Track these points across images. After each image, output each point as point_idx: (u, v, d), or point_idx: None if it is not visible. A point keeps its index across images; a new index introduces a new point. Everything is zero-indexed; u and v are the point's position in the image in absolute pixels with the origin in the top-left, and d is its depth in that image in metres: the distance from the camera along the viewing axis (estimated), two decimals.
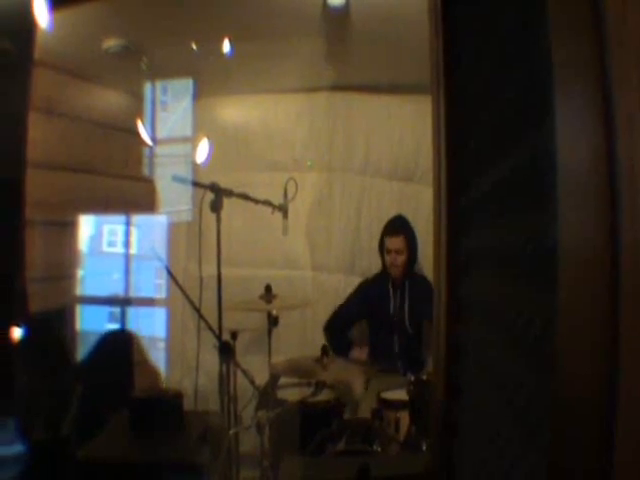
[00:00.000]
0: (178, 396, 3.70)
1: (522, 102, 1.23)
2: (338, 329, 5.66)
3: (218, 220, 4.35)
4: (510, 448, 1.24)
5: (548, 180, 0.94)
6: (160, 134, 6.17)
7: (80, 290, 5.27)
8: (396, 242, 5.46)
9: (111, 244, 5.70)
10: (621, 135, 0.74)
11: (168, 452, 3.37)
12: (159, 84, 6.09)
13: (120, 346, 5.03)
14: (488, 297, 1.53)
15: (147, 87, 6.00)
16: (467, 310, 1.78)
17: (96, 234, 5.53)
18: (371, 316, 5.65)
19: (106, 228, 5.65)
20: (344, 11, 4.23)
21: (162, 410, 3.57)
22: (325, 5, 4.14)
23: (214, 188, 4.33)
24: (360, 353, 5.55)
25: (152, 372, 6.03)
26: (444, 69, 1.93)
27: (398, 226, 5.55)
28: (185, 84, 6.01)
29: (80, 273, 5.29)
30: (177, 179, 4.77)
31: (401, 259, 5.45)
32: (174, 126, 6.22)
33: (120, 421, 3.61)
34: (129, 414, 3.60)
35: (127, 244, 5.79)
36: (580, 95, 0.85)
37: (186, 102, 6.13)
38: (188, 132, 6.14)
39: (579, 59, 0.84)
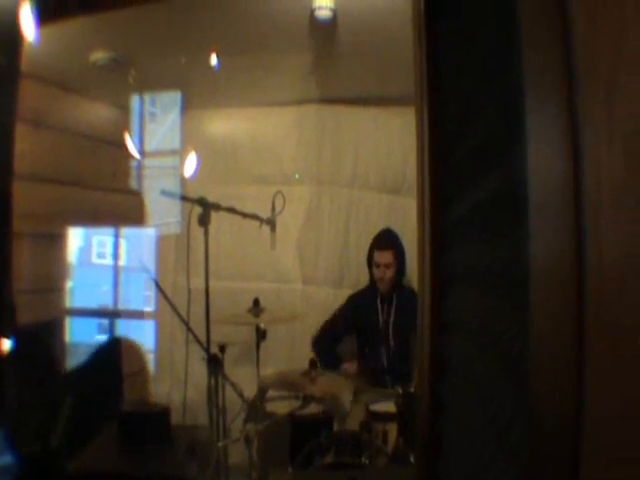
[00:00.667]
0: (165, 410, 3.69)
1: (501, 120, 1.24)
2: (326, 344, 5.65)
3: (206, 234, 4.36)
4: (494, 464, 1.25)
5: (524, 199, 0.95)
6: (149, 146, 6.18)
7: (69, 302, 5.26)
8: (385, 256, 5.47)
9: (100, 256, 5.71)
10: (587, 155, 0.75)
11: (156, 465, 3.36)
12: (148, 96, 6.10)
13: (110, 357, 5.02)
14: (472, 312, 1.54)
15: (135, 100, 6.01)
16: (452, 324, 1.79)
17: (85, 246, 5.53)
18: (359, 329, 5.65)
19: (95, 240, 5.66)
20: (332, 24, 4.24)
21: (149, 424, 3.56)
22: (312, 18, 4.15)
23: (202, 202, 4.33)
24: (349, 366, 5.54)
25: (142, 384, 6.03)
26: (428, 83, 1.94)
27: (387, 240, 5.56)
28: (174, 96, 6.01)
29: (69, 284, 5.28)
30: (165, 193, 4.77)
31: (390, 273, 5.46)
32: (163, 138, 6.23)
33: (109, 433, 3.60)
34: (117, 427, 3.59)
35: (116, 256, 5.79)
36: (548, 115, 0.86)
37: (175, 114, 6.13)
38: (177, 145, 6.15)
39: (547, 78, 0.85)
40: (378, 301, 5.54)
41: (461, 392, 1.63)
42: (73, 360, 4.72)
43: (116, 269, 5.85)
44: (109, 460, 3.42)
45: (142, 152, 6.10)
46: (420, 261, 1.97)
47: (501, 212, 1.25)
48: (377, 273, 5.49)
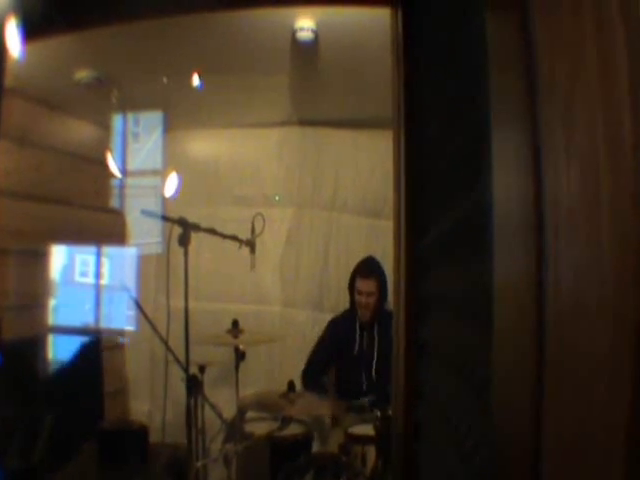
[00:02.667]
0: (143, 428, 3.69)
1: (470, 150, 1.25)
2: (315, 376, 5.63)
3: (186, 254, 4.35)
4: None
5: (489, 228, 0.96)
6: (131, 166, 6.17)
7: (52, 319, 5.24)
8: (368, 285, 5.45)
9: (83, 274, 5.68)
10: (547, 183, 0.76)
11: None
12: (131, 115, 6.10)
13: (91, 373, 5.01)
14: (445, 337, 1.55)
15: (118, 119, 6.01)
16: (427, 349, 1.80)
17: (69, 264, 5.51)
18: (340, 354, 5.63)
19: (78, 258, 5.63)
20: (313, 46, 4.26)
21: (128, 442, 3.56)
22: (294, 40, 4.16)
23: (182, 222, 4.33)
24: (328, 387, 5.53)
25: (122, 403, 6.02)
26: (405, 110, 1.95)
27: (370, 268, 5.54)
28: (156, 116, 6.02)
29: (52, 302, 5.27)
30: (146, 213, 4.78)
31: (372, 301, 5.44)
32: (145, 158, 6.23)
33: (89, 451, 3.60)
34: (97, 444, 3.59)
35: (98, 275, 5.78)
36: (511, 136, 0.87)
37: (157, 134, 6.14)
38: (158, 165, 6.15)
39: (511, 108, 0.86)
40: (357, 328, 5.52)
41: (434, 417, 1.64)
42: (56, 375, 4.69)
43: (98, 288, 5.83)
44: (88, 477, 3.42)
45: (124, 171, 6.09)
46: (396, 288, 1.98)
47: (470, 242, 1.26)
48: (359, 300, 5.48)
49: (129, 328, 5.78)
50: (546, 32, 0.77)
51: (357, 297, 5.51)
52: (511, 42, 0.87)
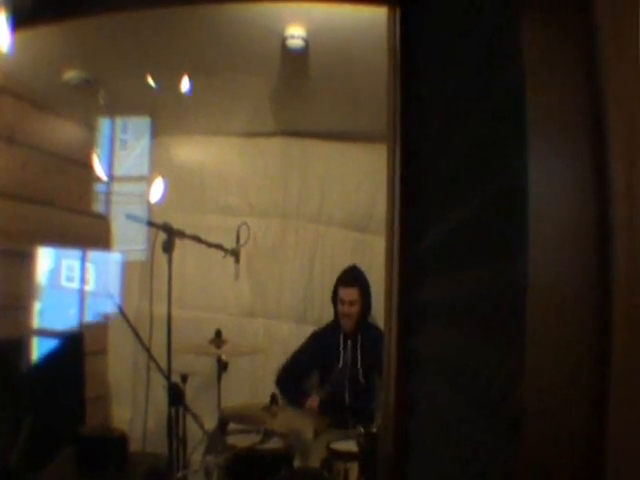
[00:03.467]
0: (122, 436, 3.63)
1: (481, 146, 1.20)
2: (290, 381, 5.58)
3: (170, 261, 4.32)
4: None
5: (512, 224, 0.90)
6: (118, 172, 6.13)
7: (38, 323, 5.19)
8: (350, 293, 5.41)
9: (69, 279, 5.63)
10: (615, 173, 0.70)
11: None
12: (119, 122, 6.06)
13: (73, 377, 4.95)
14: (443, 351, 1.49)
15: (106, 123, 5.97)
16: (420, 364, 1.74)
17: (55, 268, 5.46)
18: (322, 366, 5.57)
19: (64, 263, 5.58)
20: (303, 54, 4.22)
21: (107, 449, 3.50)
22: (284, 47, 4.12)
23: (166, 228, 4.30)
24: (311, 402, 5.47)
25: (104, 409, 5.96)
26: (401, 113, 1.90)
27: (353, 277, 5.51)
28: (144, 122, 5.98)
29: (38, 305, 5.21)
30: (130, 217, 4.73)
31: (354, 310, 5.40)
32: (132, 165, 6.19)
33: (67, 457, 3.54)
34: (75, 450, 3.53)
35: (82, 280, 5.73)
36: (562, 137, 0.81)
37: (145, 141, 6.09)
38: (145, 171, 6.10)
39: (558, 100, 0.80)
40: (341, 339, 5.47)
41: (429, 434, 1.58)
42: (37, 378, 4.64)
43: (82, 293, 5.78)
44: None
45: (111, 177, 6.05)
46: (387, 298, 1.92)
47: (477, 243, 1.21)
48: (342, 310, 5.43)
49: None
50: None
51: (340, 307, 5.47)
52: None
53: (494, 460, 1.02)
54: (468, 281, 1.27)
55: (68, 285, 5.64)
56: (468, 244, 1.30)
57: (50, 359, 4.69)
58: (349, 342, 5.45)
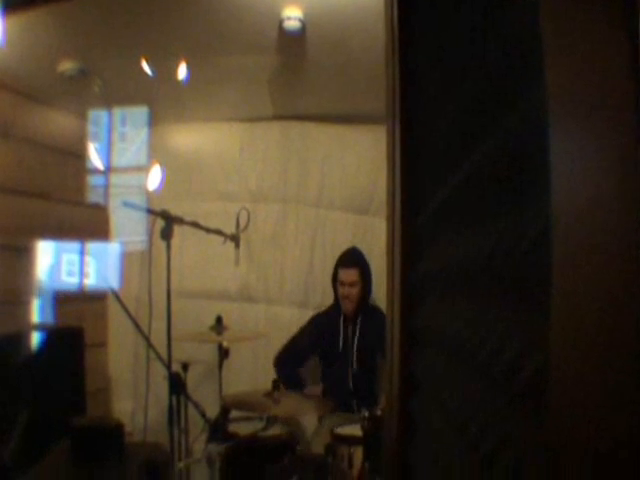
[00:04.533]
0: (118, 426, 3.59)
1: (479, 102, 1.16)
2: (288, 364, 5.54)
3: (168, 248, 4.29)
4: None
5: (528, 169, 0.85)
6: (117, 164, 6.10)
7: (39, 317, 5.16)
8: (350, 274, 5.38)
9: (70, 274, 5.61)
10: None
11: None
12: (118, 114, 6.03)
13: (72, 372, 4.93)
14: (447, 325, 1.44)
15: (103, 114, 5.94)
16: (424, 341, 1.71)
17: (55, 263, 5.44)
18: (323, 350, 5.55)
19: (65, 257, 5.56)
20: (300, 35, 4.18)
21: (102, 439, 3.47)
22: (281, 29, 4.08)
23: (164, 215, 4.27)
24: (314, 389, 5.45)
25: (105, 402, 5.95)
26: (400, 90, 1.86)
27: (352, 258, 5.48)
28: (142, 113, 5.94)
29: (39, 301, 5.19)
30: (128, 204, 4.70)
31: (354, 292, 5.36)
32: (131, 157, 6.16)
33: (62, 448, 3.51)
34: (70, 442, 3.49)
35: (82, 273, 5.70)
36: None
37: (144, 133, 6.06)
38: (144, 162, 6.08)
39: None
40: (341, 321, 5.44)
41: (435, 415, 1.54)
42: (36, 371, 4.62)
43: (82, 287, 5.76)
44: (60, 475, 3.33)
45: (109, 169, 6.02)
46: (389, 274, 1.89)
47: (482, 199, 1.17)
48: (342, 291, 5.40)
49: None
50: None
51: (340, 288, 5.43)
52: None
53: (505, 439, 0.98)
54: (469, 245, 1.23)
55: (69, 280, 5.63)
56: (467, 206, 1.27)
57: (49, 354, 4.67)
58: (350, 325, 5.42)
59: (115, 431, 3.55)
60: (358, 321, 5.40)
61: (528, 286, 0.83)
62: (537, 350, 0.79)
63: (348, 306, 5.41)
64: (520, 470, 0.86)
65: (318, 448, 4.45)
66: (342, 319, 5.44)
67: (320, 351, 5.59)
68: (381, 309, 5.35)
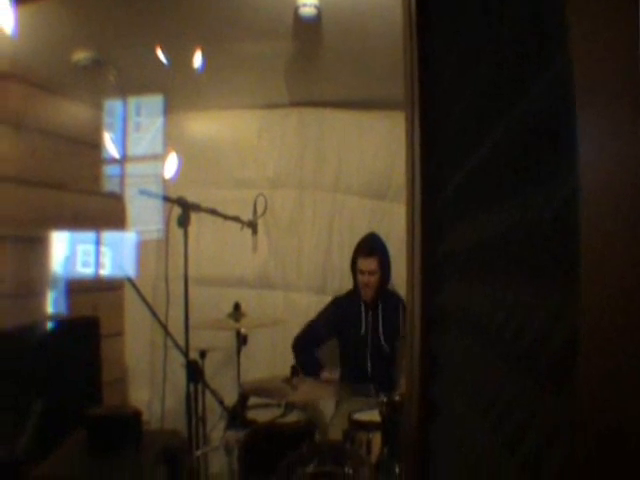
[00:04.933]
0: (135, 414, 3.59)
1: (503, 70, 1.15)
2: (307, 347, 5.55)
3: (185, 235, 4.28)
4: (497, 477, 1.15)
5: (545, 149, 0.84)
6: (133, 153, 6.10)
7: (55, 309, 5.17)
8: (369, 263, 5.37)
9: (85, 264, 5.61)
10: None
11: (124, 471, 3.28)
12: (133, 103, 6.03)
13: (88, 362, 4.94)
14: (468, 305, 1.43)
15: (118, 103, 5.94)
16: (445, 323, 1.69)
17: (70, 254, 5.44)
18: (342, 335, 5.56)
19: (80, 248, 5.56)
20: (316, 22, 4.16)
21: (119, 428, 3.47)
22: (297, 16, 4.06)
23: (181, 202, 4.26)
24: (331, 374, 5.44)
25: (122, 392, 5.96)
26: (419, 86, 1.85)
27: (371, 246, 5.47)
28: (157, 102, 5.94)
29: (54, 292, 5.20)
30: (144, 192, 4.69)
31: (374, 280, 5.37)
32: (147, 146, 6.16)
33: (77, 438, 3.51)
34: (86, 431, 3.49)
35: (97, 263, 5.71)
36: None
37: (159, 121, 6.06)
38: (159, 150, 6.08)
39: None
40: (362, 308, 5.44)
41: (456, 398, 1.53)
42: (52, 363, 4.62)
43: (98, 277, 5.77)
44: (75, 466, 3.33)
45: (124, 158, 6.02)
46: (409, 257, 1.88)
47: (502, 175, 1.16)
48: (361, 280, 5.40)
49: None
50: None
51: (359, 276, 5.44)
52: None
53: (528, 422, 0.97)
54: (490, 225, 1.21)
55: (84, 271, 5.63)
56: (486, 187, 1.26)
57: (65, 345, 4.68)
58: (370, 311, 5.42)
59: (132, 419, 3.55)
60: (378, 308, 5.40)
61: (549, 263, 0.82)
62: (561, 328, 0.78)
63: (368, 293, 5.40)
64: (544, 453, 0.85)
65: (336, 433, 4.45)
66: (362, 305, 5.44)
67: (339, 334, 5.59)
68: (399, 294, 5.35)
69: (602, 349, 0.66)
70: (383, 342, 5.31)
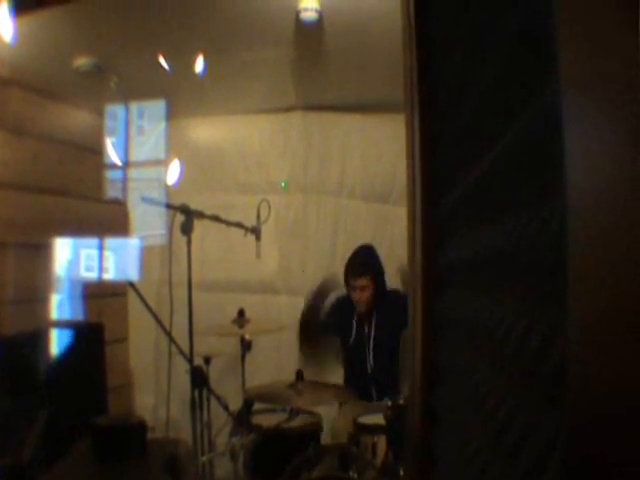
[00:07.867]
0: (140, 423, 3.58)
1: (506, 81, 1.15)
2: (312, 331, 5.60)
3: (189, 242, 4.29)
4: None
5: (551, 158, 0.84)
6: (135, 158, 6.11)
7: (58, 314, 5.18)
8: (361, 281, 5.37)
9: (89, 269, 5.61)
10: None
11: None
12: (135, 108, 6.03)
13: (93, 367, 4.94)
14: (470, 314, 1.43)
15: (121, 109, 5.95)
16: (447, 330, 1.70)
17: (74, 259, 5.44)
18: (342, 336, 5.56)
19: (83, 253, 5.56)
20: (317, 26, 4.16)
21: (123, 438, 3.47)
22: (298, 21, 4.07)
23: (184, 209, 4.26)
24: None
25: (127, 398, 5.96)
26: (418, 91, 1.85)
27: (361, 264, 5.46)
28: (160, 107, 5.94)
29: (58, 297, 5.20)
30: (146, 200, 4.70)
31: (366, 295, 5.36)
32: (149, 151, 6.16)
33: (83, 447, 3.51)
34: (91, 440, 3.49)
35: (101, 269, 5.72)
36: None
37: (162, 126, 6.06)
38: (162, 155, 6.08)
39: None
40: (355, 318, 5.47)
41: (458, 404, 1.53)
42: (57, 370, 4.62)
43: (102, 283, 5.78)
44: (81, 475, 3.33)
45: (127, 163, 6.03)
46: (411, 264, 1.88)
47: (507, 188, 1.15)
48: (354, 295, 5.41)
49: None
50: None
51: (351, 292, 5.45)
52: None
53: (530, 429, 0.97)
54: (493, 234, 1.21)
55: (88, 275, 5.64)
56: (489, 195, 1.26)
57: (69, 351, 4.68)
58: (363, 322, 5.44)
59: (137, 429, 3.55)
60: (373, 316, 5.40)
61: (550, 274, 0.83)
62: (562, 339, 0.78)
63: (361, 308, 5.41)
64: (545, 460, 0.85)
65: (341, 438, 4.45)
66: (356, 316, 5.47)
67: (339, 336, 5.62)
68: (399, 290, 5.34)
69: (591, 363, 0.67)
70: (383, 347, 5.31)
